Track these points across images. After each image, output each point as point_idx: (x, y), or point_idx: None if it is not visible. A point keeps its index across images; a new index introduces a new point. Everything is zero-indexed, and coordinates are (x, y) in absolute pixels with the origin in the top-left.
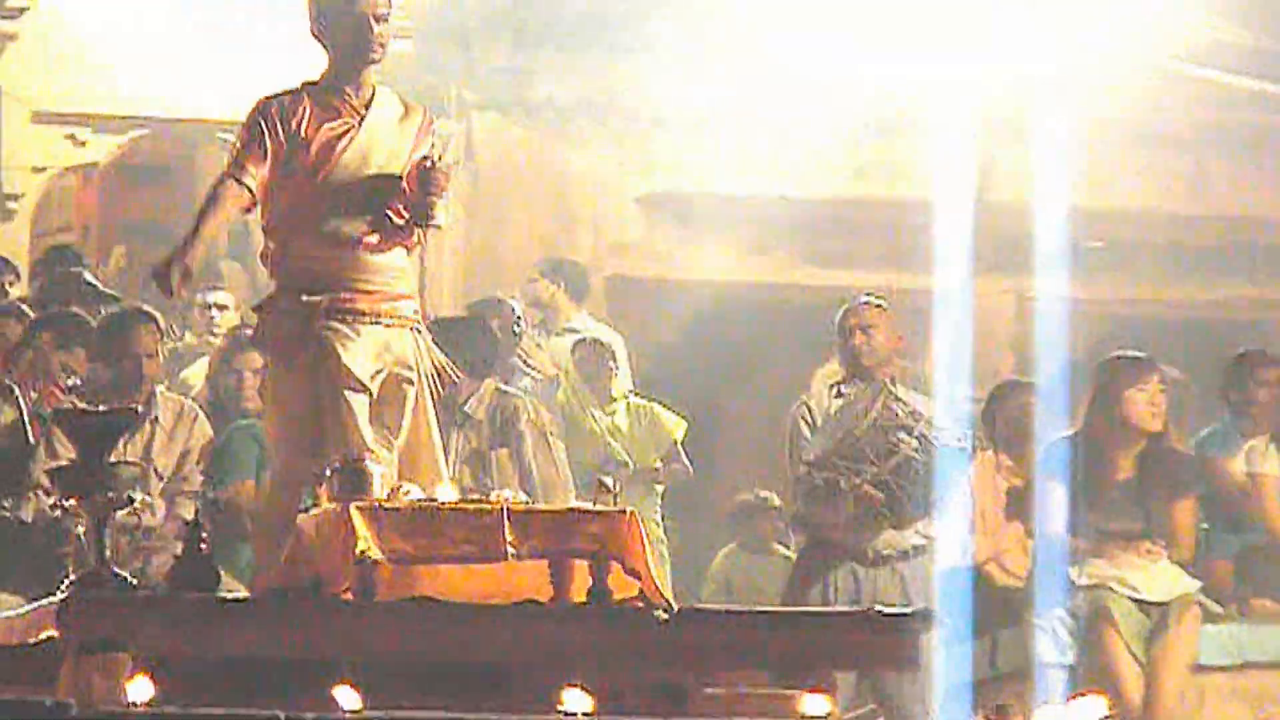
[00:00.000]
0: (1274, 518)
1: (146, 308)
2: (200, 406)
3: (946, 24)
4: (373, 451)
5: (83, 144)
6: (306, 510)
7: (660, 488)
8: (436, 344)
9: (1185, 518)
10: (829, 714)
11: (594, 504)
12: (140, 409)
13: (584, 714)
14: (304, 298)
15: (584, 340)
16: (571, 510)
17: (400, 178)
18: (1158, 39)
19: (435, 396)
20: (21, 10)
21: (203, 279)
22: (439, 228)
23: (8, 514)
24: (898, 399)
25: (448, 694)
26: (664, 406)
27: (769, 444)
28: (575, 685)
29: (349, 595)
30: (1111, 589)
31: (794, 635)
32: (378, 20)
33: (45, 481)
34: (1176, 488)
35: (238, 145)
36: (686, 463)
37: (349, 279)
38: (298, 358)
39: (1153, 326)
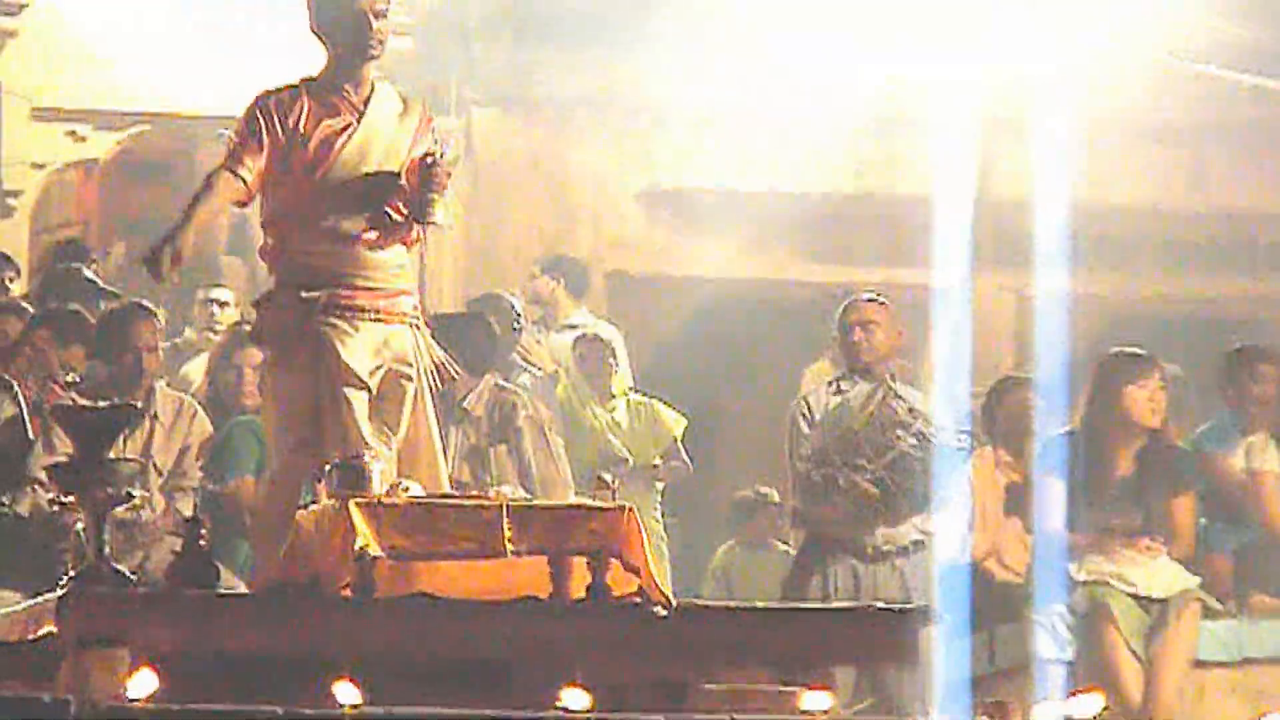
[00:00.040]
0: (1273, 514)
1: (146, 303)
2: (200, 402)
3: (947, 21)
4: (372, 448)
5: (83, 140)
6: (306, 506)
7: (660, 484)
8: (435, 340)
9: (1185, 514)
10: (829, 710)
11: (593, 500)
12: (140, 405)
13: (583, 711)
14: (303, 294)
15: (584, 336)
16: (571, 507)
17: (399, 174)
18: (1157, 35)
19: (434, 393)
20: (22, 6)
21: (203, 274)
22: (438, 225)
23: (6, 509)
24: (898, 396)
25: (447, 690)
26: (664, 403)
27: (769, 440)
28: (574, 682)
29: (348, 591)
30: (1111, 585)
31: (793, 631)
32: (377, 16)
33: (43, 477)
34: (1176, 484)
35: (234, 138)
36: (686, 459)
37: (348, 275)
38: (297, 354)
39: (1152, 323)
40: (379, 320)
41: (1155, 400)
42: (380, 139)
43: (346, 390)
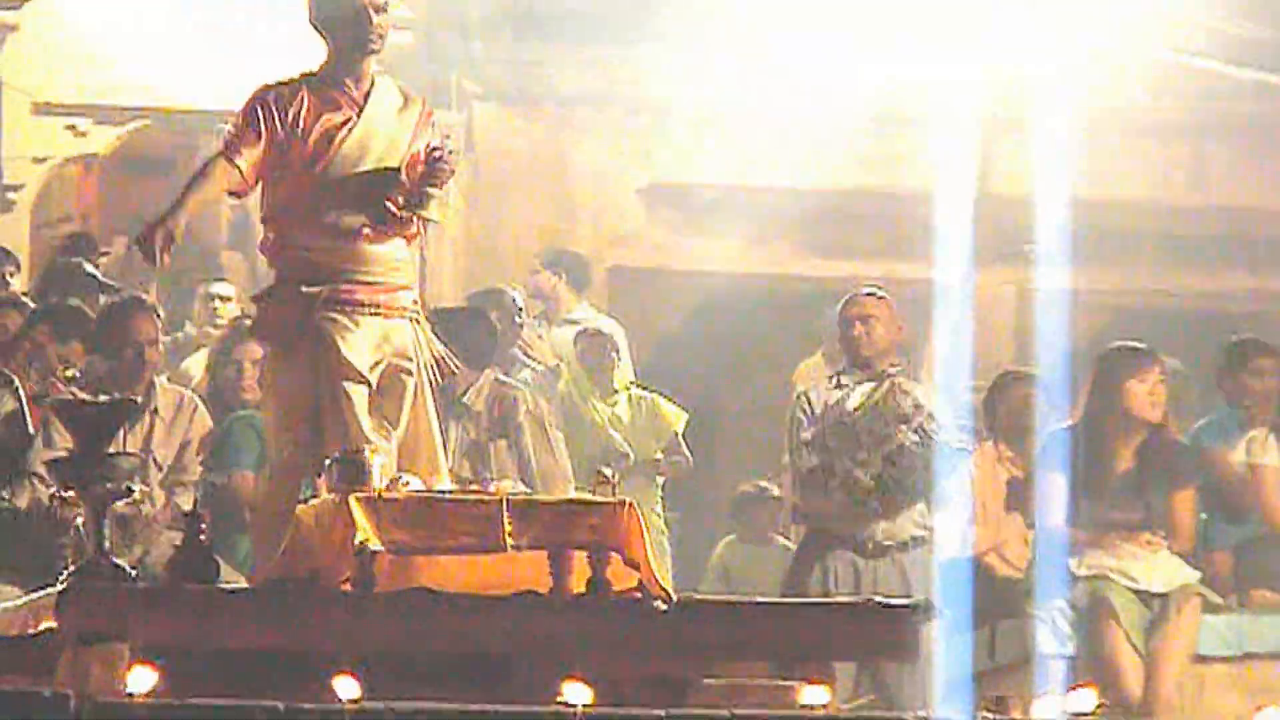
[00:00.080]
0: (1274, 509)
1: (146, 298)
2: (200, 397)
3: (948, 16)
4: (372, 443)
5: (83, 135)
6: (306, 501)
7: (661, 479)
8: (435, 335)
9: (1185, 509)
10: (828, 705)
11: (593, 495)
12: (139, 400)
13: (583, 705)
14: (303, 289)
15: (586, 331)
16: (571, 501)
17: (399, 169)
18: (1157, 32)
19: (434, 388)
20: (22, 1)
21: (205, 270)
22: (432, 220)
23: (6, 504)
24: (904, 391)
25: (447, 685)
26: (665, 398)
27: (769, 435)
28: (574, 676)
29: (348, 586)
30: (1111, 580)
31: (793, 626)
32: (377, 11)
33: (43, 472)
34: (1176, 479)
35: (232, 129)
36: (687, 454)
37: (348, 270)
38: (297, 349)
39: (1153, 317)
40: (379, 315)
41: (1155, 395)
42: (380, 134)
43: (346, 385)
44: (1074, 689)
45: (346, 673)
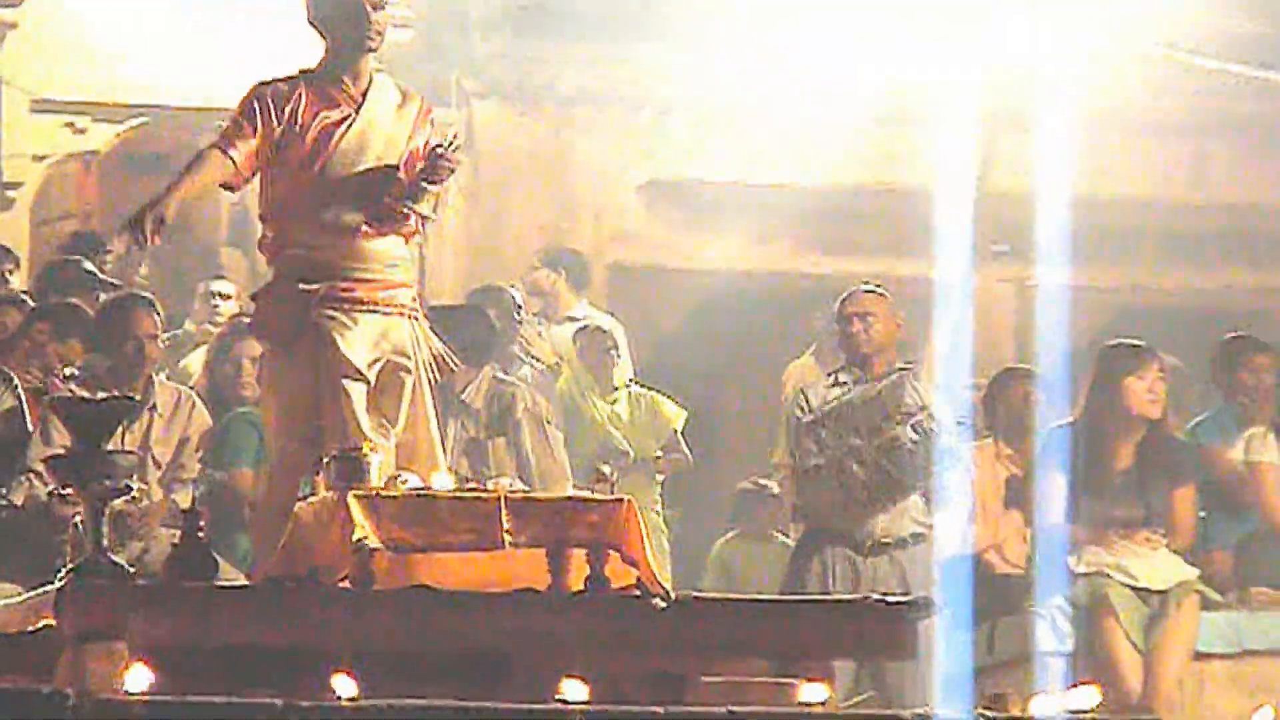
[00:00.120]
0: (1273, 506)
1: (146, 294)
2: (199, 395)
3: (949, 13)
4: (370, 440)
5: (83, 132)
6: (304, 499)
7: (660, 476)
8: (434, 332)
9: (1185, 506)
10: (827, 702)
11: (592, 493)
12: (138, 397)
13: (581, 703)
14: (301, 286)
15: (585, 328)
16: (569, 499)
17: (398, 167)
18: (1157, 29)
19: (433, 385)
20: None
21: (204, 267)
22: (426, 216)
23: (5, 501)
24: (911, 388)
25: (445, 682)
26: (664, 395)
27: (768, 433)
28: (573, 674)
29: (347, 584)
30: (1111, 577)
31: (793, 624)
32: (375, 8)
33: (42, 469)
34: (1176, 476)
35: (228, 123)
36: (687, 451)
37: (347, 268)
38: (296, 346)
39: (1153, 314)
40: (378, 312)
41: (1155, 392)
42: (379, 131)
43: (345, 382)
44: (1073, 686)
45: (345, 670)
